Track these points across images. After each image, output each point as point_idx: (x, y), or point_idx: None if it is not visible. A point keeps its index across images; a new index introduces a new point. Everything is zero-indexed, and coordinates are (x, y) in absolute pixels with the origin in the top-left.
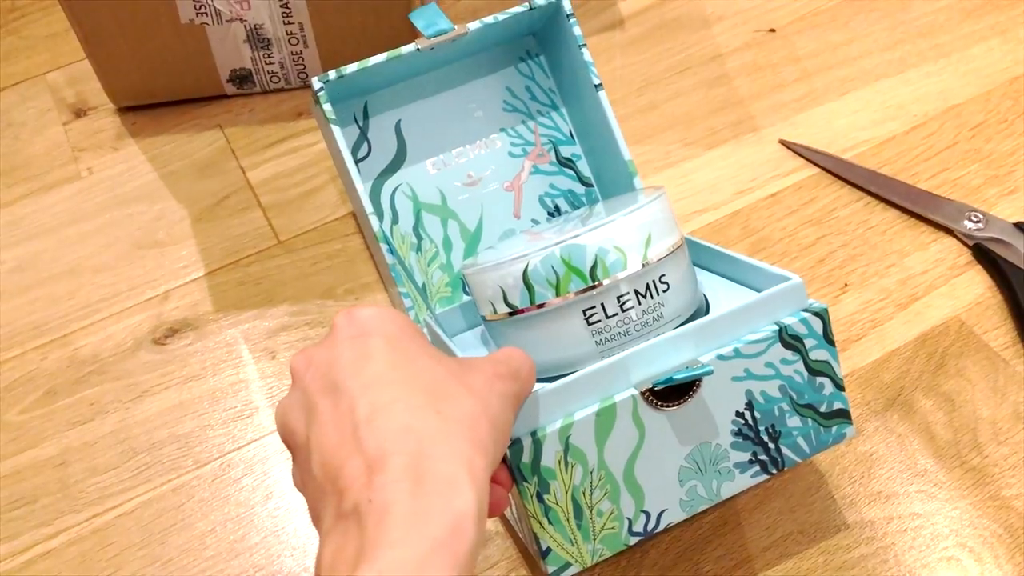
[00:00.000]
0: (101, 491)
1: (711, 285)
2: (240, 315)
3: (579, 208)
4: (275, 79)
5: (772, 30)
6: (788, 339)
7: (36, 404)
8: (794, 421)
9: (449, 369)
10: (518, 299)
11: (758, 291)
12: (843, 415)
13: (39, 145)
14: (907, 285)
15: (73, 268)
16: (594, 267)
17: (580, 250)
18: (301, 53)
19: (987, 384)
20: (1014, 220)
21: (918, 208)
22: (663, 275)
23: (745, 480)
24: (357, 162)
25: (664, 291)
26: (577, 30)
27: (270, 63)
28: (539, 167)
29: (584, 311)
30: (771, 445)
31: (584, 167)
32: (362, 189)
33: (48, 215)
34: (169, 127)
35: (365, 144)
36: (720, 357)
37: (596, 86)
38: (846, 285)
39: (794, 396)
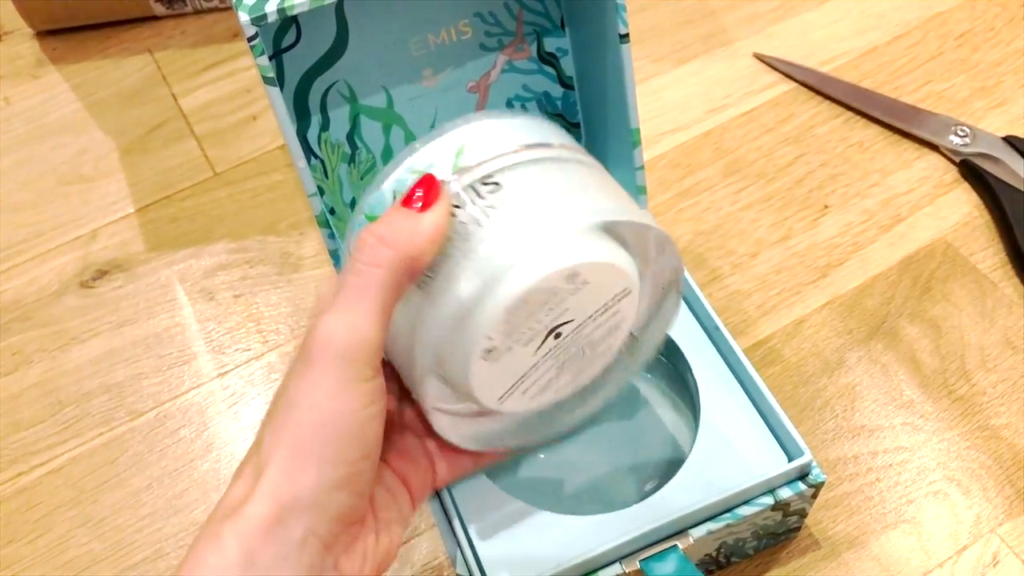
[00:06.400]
0: (26, 447)
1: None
2: (175, 254)
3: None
4: None
5: None
6: None
7: None
8: None
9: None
10: None
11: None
12: None
13: None
14: (890, 205)
15: None
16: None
17: (379, 197)
18: None
19: (975, 308)
20: (1003, 134)
21: (901, 123)
22: (487, 176)
23: None
24: (281, 52)
25: (493, 191)
26: None
27: None
28: (514, 63)
29: None
30: None
31: (568, 64)
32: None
33: None
34: (93, 52)
35: (293, 28)
36: None
37: (622, 36)
38: (826, 207)
39: None
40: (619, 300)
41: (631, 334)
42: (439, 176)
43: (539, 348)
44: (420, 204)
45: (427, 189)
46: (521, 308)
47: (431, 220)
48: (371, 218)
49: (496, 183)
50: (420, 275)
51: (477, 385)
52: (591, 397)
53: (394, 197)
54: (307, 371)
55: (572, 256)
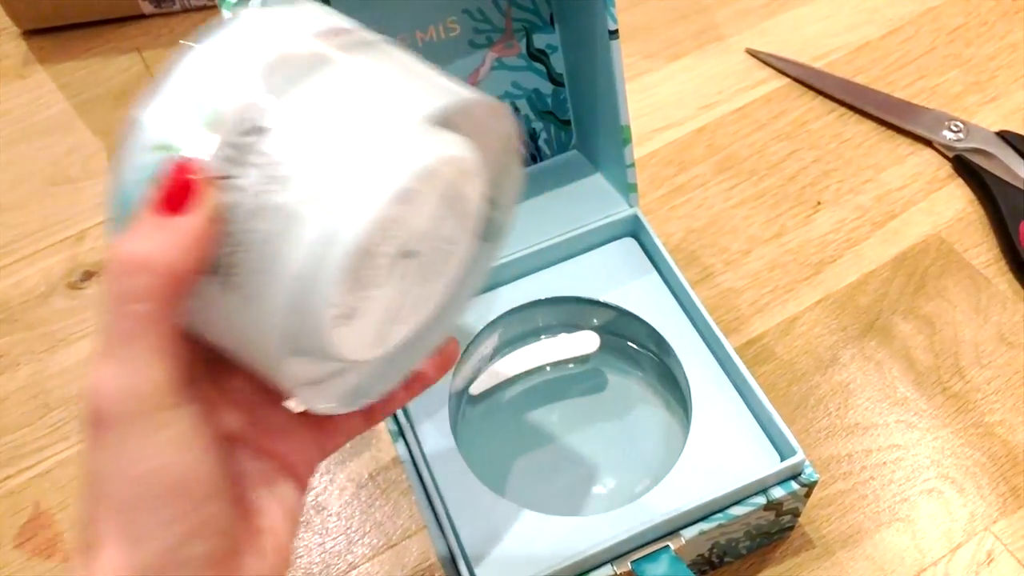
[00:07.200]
0: (13, 451)
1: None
2: None
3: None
4: None
5: None
6: None
7: None
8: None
9: None
10: None
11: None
12: None
13: None
14: (884, 201)
15: None
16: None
17: (123, 196)
18: None
19: (969, 304)
20: (996, 129)
21: (895, 119)
22: (252, 124)
23: None
24: None
25: (266, 144)
26: None
27: None
28: (504, 60)
29: None
30: None
31: (558, 61)
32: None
33: None
34: (80, 52)
35: None
36: None
37: (611, 32)
38: (819, 203)
39: None
40: (461, 184)
41: (488, 204)
42: (189, 147)
43: (394, 278)
44: (177, 203)
45: (178, 181)
46: (357, 263)
47: (194, 225)
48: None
49: (266, 130)
50: (195, 284)
51: (346, 349)
52: (465, 289)
53: (146, 187)
54: (102, 437)
55: (394, 180)
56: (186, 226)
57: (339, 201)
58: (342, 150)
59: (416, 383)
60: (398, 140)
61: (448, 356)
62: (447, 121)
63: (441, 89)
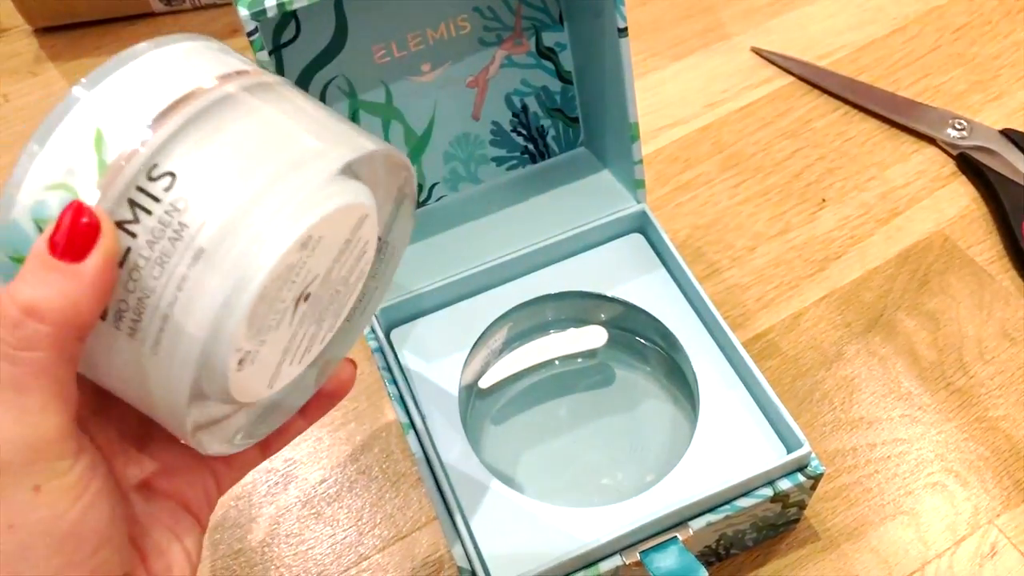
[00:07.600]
0: None
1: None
2: None
3: None
4: None
5: None
6: None
7: None
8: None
9: None
10: None
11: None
12: None
13: None
14: (888, 199)
15: None
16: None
17: (15, 231)
18: None
19: (972, 301)
20: (1000, 127)
21: (899, 117)
22: (154, 167)
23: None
24: (280, 47)
25: (168, 187)
26: None
27: None
28: (513, 58)
29: None
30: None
31: (567, 58)
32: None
33: None
34: (91, 49)
35: (292, 23)
36: None
37: (621, 30)
38: (824, 200)
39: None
40: (358, 229)
41: (380, 241)
42: (87, 188)
43: (292, 320)
44: (73, 248)
45: (74, 224)
46: (259, 310)
47: (93, 269)
48: (17, 260)
49: (169, 173)
50: (92, 330)
51: (241, 392)
52: (357, 322)
53: (38, 228)
54: None
55: (297, 227)
56: (82, 272)
57: (243, 247)
58: (245, 196)
59: (313, 412)
60: (300, 188)
61: (343, 383)
62: (346, 167)
63: (341, 135)
